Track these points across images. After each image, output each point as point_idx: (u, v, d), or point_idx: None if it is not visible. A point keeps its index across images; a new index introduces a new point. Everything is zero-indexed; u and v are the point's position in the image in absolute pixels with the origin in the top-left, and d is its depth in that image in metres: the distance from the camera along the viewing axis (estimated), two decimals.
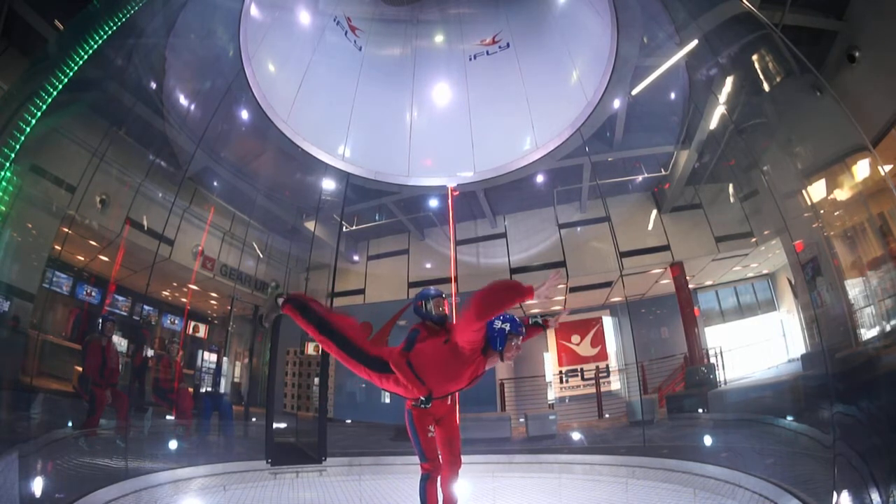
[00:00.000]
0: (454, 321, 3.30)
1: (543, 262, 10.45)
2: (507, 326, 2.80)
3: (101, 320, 6.49)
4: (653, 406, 8.18)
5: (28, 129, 4.06)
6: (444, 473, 3.36)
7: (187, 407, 7.37)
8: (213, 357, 9.08)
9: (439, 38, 8.01)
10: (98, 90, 5.66)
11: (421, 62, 7.90)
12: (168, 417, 7.19)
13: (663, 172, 9.52)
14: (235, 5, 6.18)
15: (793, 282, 9.39)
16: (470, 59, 7.82)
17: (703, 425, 7.31)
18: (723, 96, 6.66)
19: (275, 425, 5.57)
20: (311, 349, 10.60)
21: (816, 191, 5.92)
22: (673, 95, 7.74)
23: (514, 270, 10.61)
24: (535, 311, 13.01)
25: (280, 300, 3.17)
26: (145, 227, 7.54)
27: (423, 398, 2.97)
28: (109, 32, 4.61)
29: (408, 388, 2.95)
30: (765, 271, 11.15)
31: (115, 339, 6.65)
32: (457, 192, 8.38)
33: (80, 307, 7.96)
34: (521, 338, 2.84)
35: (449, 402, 3.47)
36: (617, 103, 7.52)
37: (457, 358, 2.82)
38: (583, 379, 11.95)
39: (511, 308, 2.65)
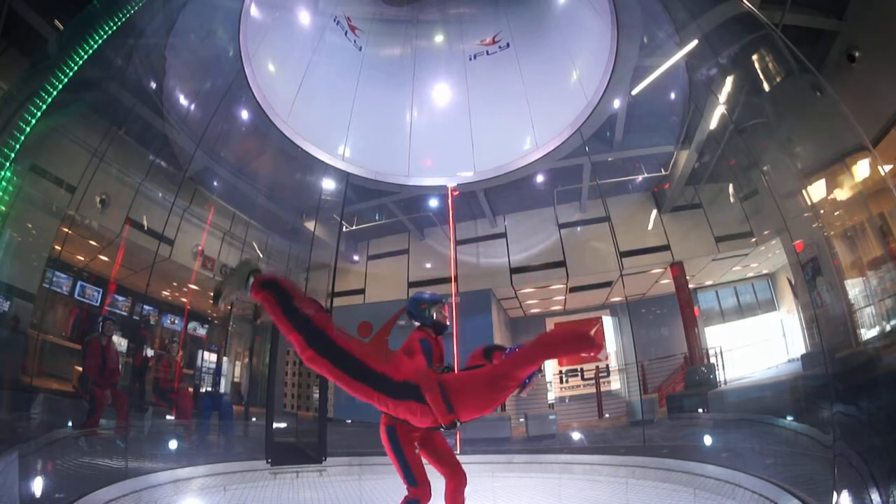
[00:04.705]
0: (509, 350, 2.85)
1: (543, 262, 10.46)
2: None
3: (101, 320, 6.49)
4: (653, 406, 8.18)
5: (28, 129, 4.05)
6: (449, 486, 2.96)
7: (187, 407, 7.37)
8: (213, 357, 9.08)
9: (439, 38, 8.01)
10: (98, 90, 5.66)
11: (421, 62, 7.90)
12: (168, 417, 7.19)
13: (663, 172, 9.52)
14: (235, 5, 6.18)
15: (793, 282, 9.39)
16: (470, 59, 7.82)
17: (703, 425, 7.31)
18: (723, 96, 6.66)
19: (275, 425, 5.56)
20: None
21: (816, 191, 5.92)
22: (673, 95, 7.75)
23: (514, 270, 10.62)
24: (535, 310, 13.03)
25: (251, 279, 2.34)
26: (145, 227, 7.54)
27: (443, 426, 2.59)
28: (109, 32, 4.60)
29: (426, 415, 2.52)
30: (765, 271, 11.16)
31: (115, 339, 6.64)
32: (457, 192, 8.38)
33: (80, 307, 7.97)
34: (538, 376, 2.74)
35: None
36: (617, 103, 7.52)
37: (500, 385, 2.52)
38: (583, 379, 11.95)
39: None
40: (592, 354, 2.39)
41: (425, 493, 2.84)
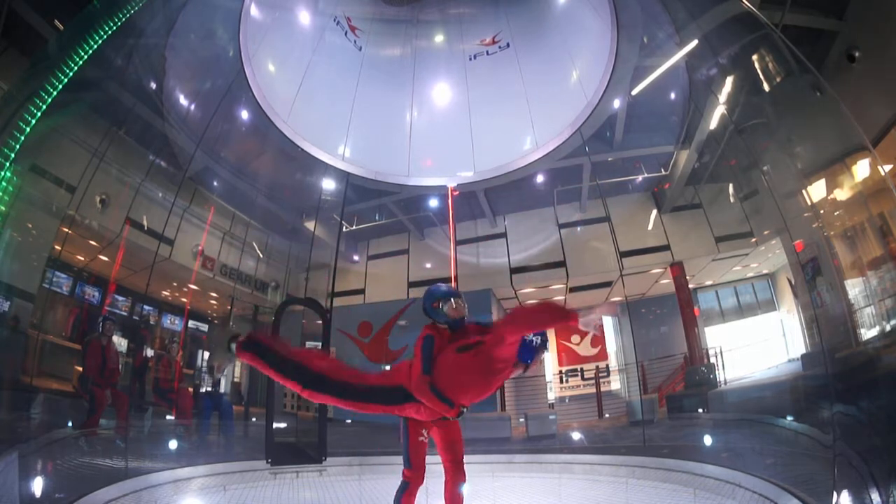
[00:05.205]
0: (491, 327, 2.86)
1: (543, 262, 10.46)
2: (539, 339, 2.72)
3: (101, 320, 6.49)
4: (653, 406, 8.17)
5: (28, 129, 4.05)
6: (448, 484, 2.96)
7: (187, 407, 7.36)
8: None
9: (439, 38, 8.01)
10: (98, 90, 5.66)
11: (421, 62, 7.90)
12: (168, 417, 7.18)
13: (663, 172, 9.52)
14: (235, 5, 6.18)
15: (793, 282, 9.40)
16: (470, 59, 7.83)
17: (703, 425, 7.31)
18: (723, 96, 6.66)
19: (275, 425, 5.55)
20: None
21: (816, 191, 5.93)
22: (673, 95, 7.75)
23: (514, 270, 10.62)
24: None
25: (233, 345, 2.65)
26: (145, 227, 7.55)
27: (451, 418, 2.80)
28: (109, 32, 4.60)
29: (431, 412, 2.72)
30: (765, 271, 11.17)
31: (115, 339, 6.64)
32: (457, 192, 8.39)
33: (80, 307, 7.97)
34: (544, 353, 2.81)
35: None
36: (617, 103, 7.52)
37: (490, 369, 2.65)
38: (583, 379, 11.96)
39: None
40: (573, 325, 2.43)
41: (418, 477, 2.97)
